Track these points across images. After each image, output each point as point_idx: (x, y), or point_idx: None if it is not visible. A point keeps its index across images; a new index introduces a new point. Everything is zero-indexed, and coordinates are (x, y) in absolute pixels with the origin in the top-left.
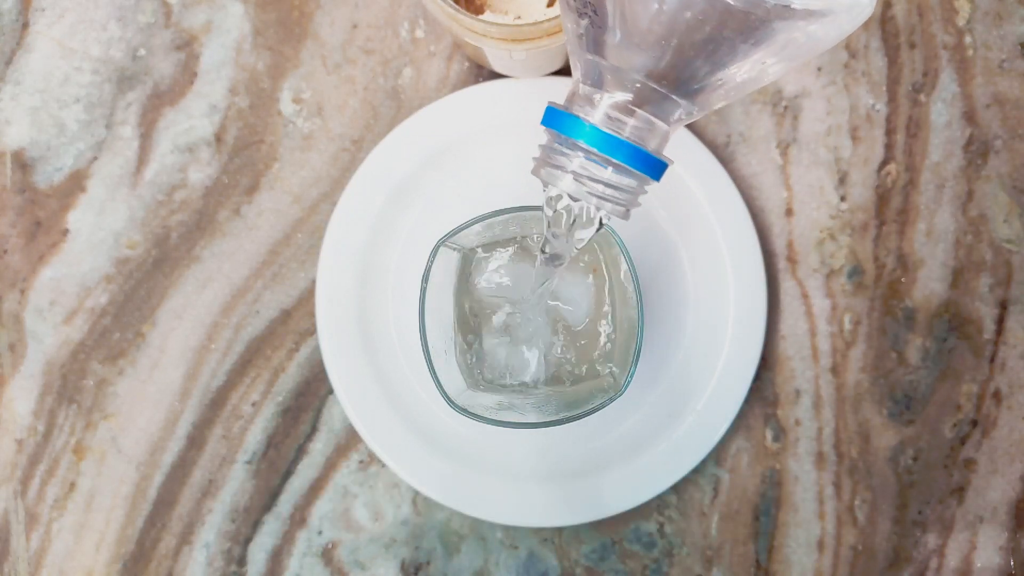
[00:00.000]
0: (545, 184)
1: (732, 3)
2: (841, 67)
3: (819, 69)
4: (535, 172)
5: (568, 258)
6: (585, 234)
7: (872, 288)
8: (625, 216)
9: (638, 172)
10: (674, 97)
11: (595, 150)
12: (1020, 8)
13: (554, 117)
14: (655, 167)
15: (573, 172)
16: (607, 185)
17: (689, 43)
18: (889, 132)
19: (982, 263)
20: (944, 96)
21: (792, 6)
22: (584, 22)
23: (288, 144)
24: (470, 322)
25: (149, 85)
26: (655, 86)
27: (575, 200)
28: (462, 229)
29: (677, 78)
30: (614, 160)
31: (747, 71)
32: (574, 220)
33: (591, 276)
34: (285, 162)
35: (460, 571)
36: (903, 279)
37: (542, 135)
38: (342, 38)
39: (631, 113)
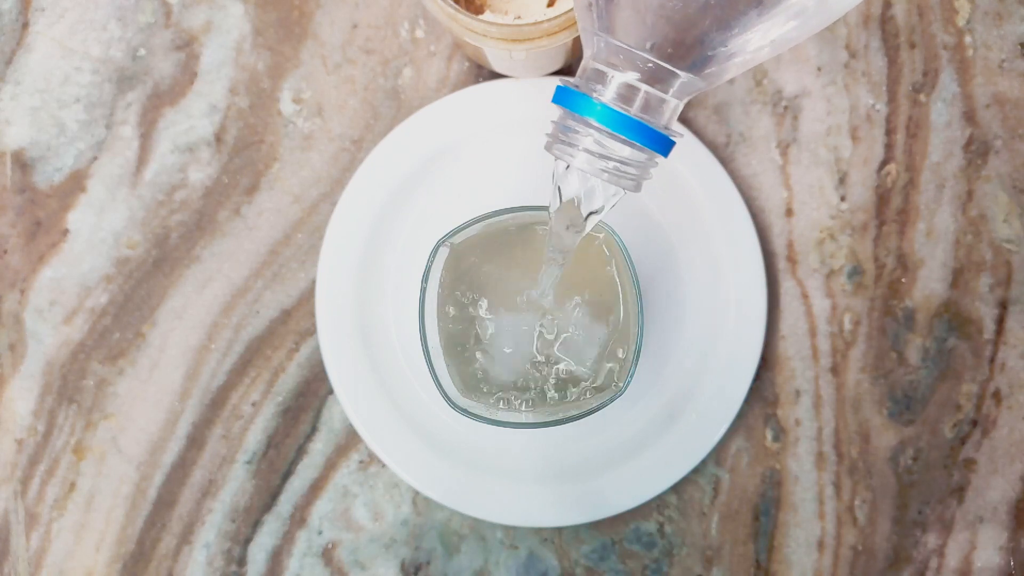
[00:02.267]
0: (557, 159)
1: None
2: (841, 67)
3: (819, 69)
4: (547, 148)
5: (573, 248)
6: (595, 217)
7: (872, 288)
8: (636, 189)
9: (649, 149)
10: (683, 73)
11: (606, 128)
12: (1020, 8)
13: (565, 95)
14: (664, 144)
15: (585, 149)
16: (618, 161)
17: (698, 16)
18: (889, 132)
19: (982, 263)
20: (944, 96)
21: None
22: (594, 4)
23: (288, 144)
24: (470, 328)
25: (149, 85)
26: (664, 63)
27: (588, 174)
28: (462, 229)
29: (686, 54)
30: (624, 138)
31: (757, 43)
32: (583, 204)
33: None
34: (285, 162)
35: (460, 571)
36: (903, 279)
37: (554, 112)
38: (342, 38)
39: (641, 90)
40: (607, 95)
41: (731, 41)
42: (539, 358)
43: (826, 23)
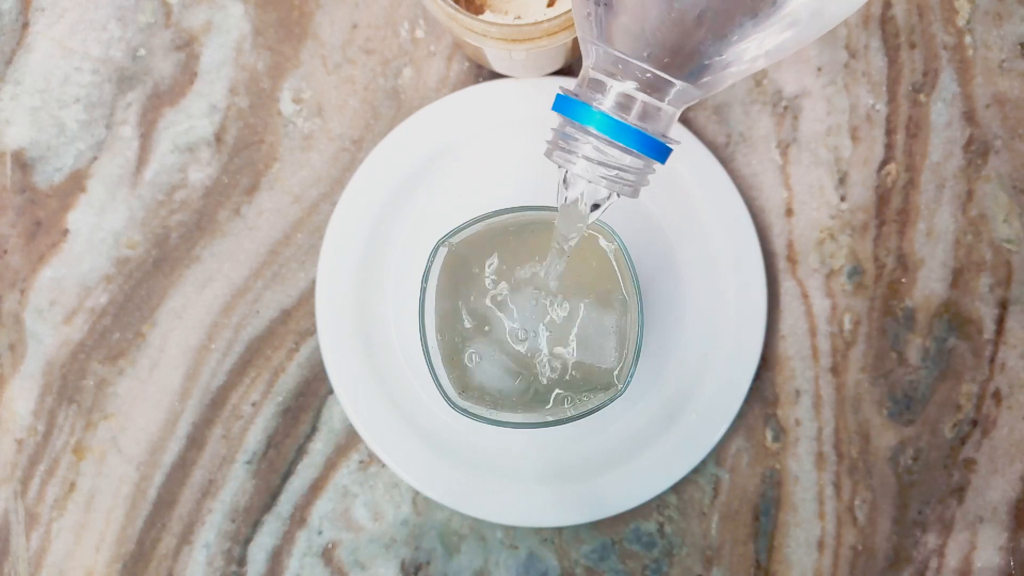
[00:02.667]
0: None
1: None
2: (841, 67)
3: (819, 69)
4: (547, 155)
5: (579, 235)
6: (596, 212)
7: (872, 288)
8: (634, 195)
9: (646, 156)
10: (680, 82)
11: (604, 136)
12: (1020, 8)
13: (565, 103)
14: (661, 151)
15: (584, 156)
16: (616, 168)
17: (695, 26)
18: (889, 132)
19: (982, 263)
20: (944, 96)
21: None
22: (594, 14)
23: (288, 144)
24: (473, 327)
25: (149, 85)
26: (661, 73)
27: (588, 181)
28: (462, 229)
29: (683, 63)
30: (623, 145)
31: (753, 52)
32: (586, 200)
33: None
34: (285, 162)
35: (460, 571)
36: (903, 279)
37: (554, 118)
38: (342, 38)
39: (639, 99)
40: (606, 103)
41: (727, 51)
42: (541, 356)
43: (820, 33)
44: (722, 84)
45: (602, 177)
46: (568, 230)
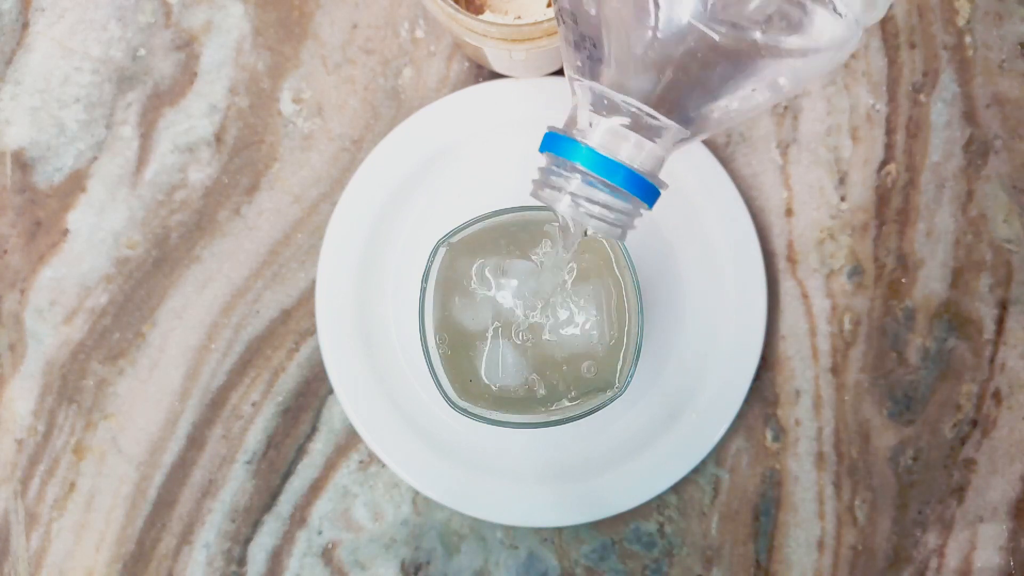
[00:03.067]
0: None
1: (719, 41)
2: (841, 67)
3: None
4: (534, 194)
5: (573, 246)
6: (590, 231)
7: (872, 288)
8: (621, 238)
9: (632, 196)
10: (667, 121)
11: (591, 172)
12: (1020, 8)
13: (552, 139)
14: (648, 191)
15: (571, 194)
16: (603, 207)
17: (682, 74)
18: (889, 132)
19: (982, 263)
20: (944, 96)
21: (778, 45)
22: (582, 54)
23: (288, 144)
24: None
25: (149, 85)
26: (651, 113)
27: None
28: (462, 229)
29: (672, 107)
30: (609, 183)
31: (739, 101)
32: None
33: (601, 284)
34: (285, 162)
35: (460, 571)
36: (903, 279)
37: (541, 158)
38: (342, 38)
39: (627, 137)
40: (593, 139)
41: (715, 99)
42: (541, 356)
43: (811, 80)
44: (711, 127)
45: (587, 215)
46: (563, 242)
